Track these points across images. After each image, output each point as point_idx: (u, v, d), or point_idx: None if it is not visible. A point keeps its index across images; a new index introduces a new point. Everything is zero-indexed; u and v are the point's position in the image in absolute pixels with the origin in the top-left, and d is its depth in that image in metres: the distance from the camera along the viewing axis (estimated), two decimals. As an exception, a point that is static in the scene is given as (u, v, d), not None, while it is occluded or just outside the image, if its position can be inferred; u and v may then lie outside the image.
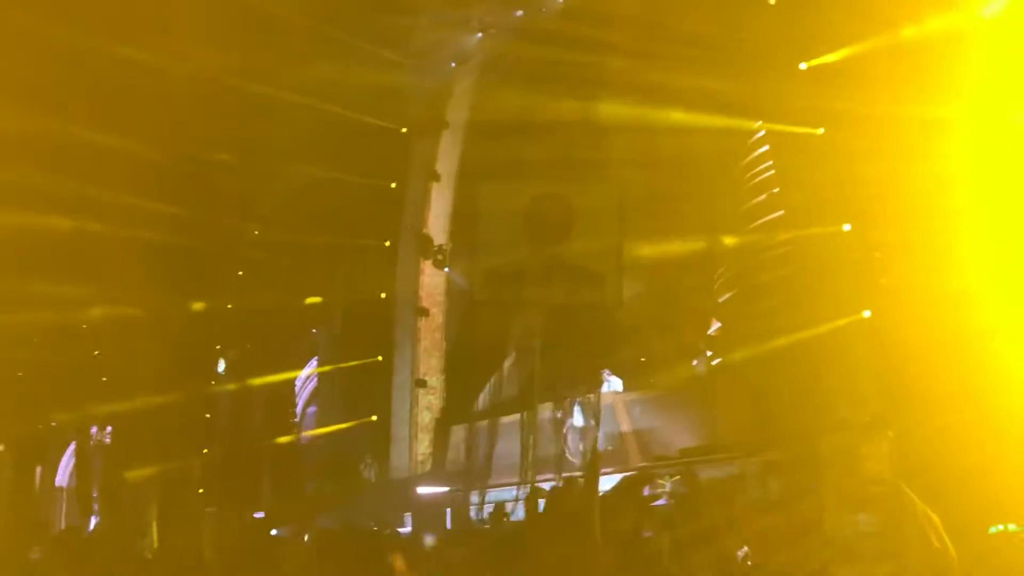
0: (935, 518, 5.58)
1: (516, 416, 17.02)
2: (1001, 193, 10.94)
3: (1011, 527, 7.33)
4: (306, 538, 14.97)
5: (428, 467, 19.30)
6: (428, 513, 17.42)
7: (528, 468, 16.37)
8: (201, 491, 20.21)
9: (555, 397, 16.70)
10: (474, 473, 17.39)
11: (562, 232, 16.00)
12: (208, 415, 21.13)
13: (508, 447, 17.00)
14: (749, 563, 6.90)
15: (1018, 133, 10.89)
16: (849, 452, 5.92)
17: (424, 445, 19.48)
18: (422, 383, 19.71)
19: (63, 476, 25.28)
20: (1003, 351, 10.35)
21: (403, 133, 20.18)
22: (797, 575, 5.99)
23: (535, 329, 17.77)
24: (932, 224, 11.79)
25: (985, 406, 10.05)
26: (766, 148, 15.64)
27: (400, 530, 15.70)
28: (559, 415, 16.55)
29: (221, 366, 21.78)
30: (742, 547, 6.97)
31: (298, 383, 22.94)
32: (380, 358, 20.43)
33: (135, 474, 18.71)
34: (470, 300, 19.09)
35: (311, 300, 21.29)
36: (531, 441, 16.58)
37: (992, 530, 7.36)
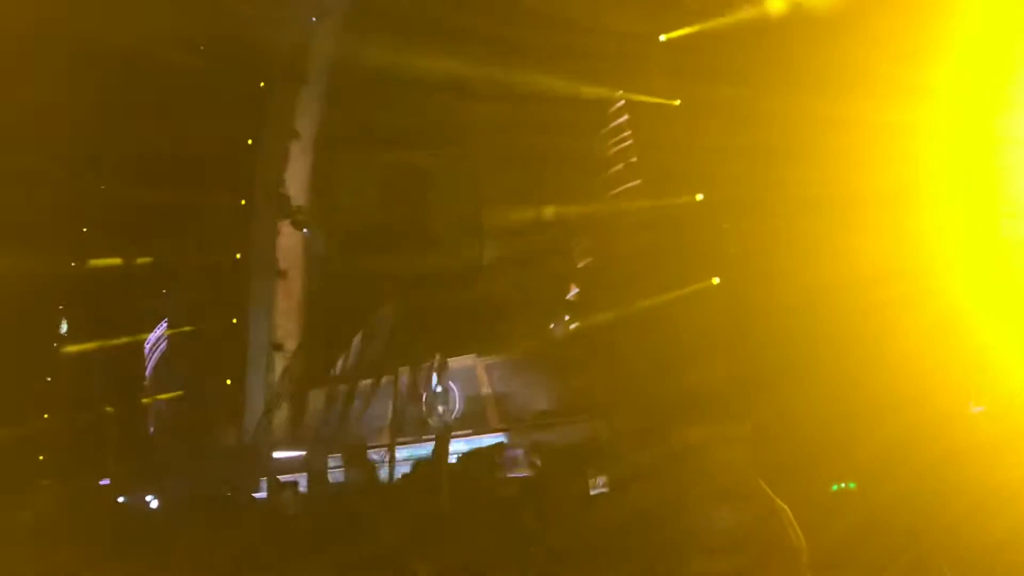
0: (787, 510, 5.78)
1: (375, 381, 16.94)
2: (849, 160, 11.45)
3: (851, 485, 7.81)
4: (155, 504, 14.60)
5: (284, 432, 19.00)
6: (283, 479, 17.18)
7: (386, 433, 16.34)
8: (41, 458, 19.34)
9: (414, 361, 16.71)
10: (331, 438, 17.24)
11: (417, 202, 15.99)
12: (49, 379, 20.19)
13: (367, 412, 16.92)
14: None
15: (863, 97, 11.38)
16: (706, 445, 6.03)
17: (281, 410, 19.13)
18: (279, 347, 19.32)
19: None
20: (848, 319, 10.92)
21: (260, 88, 19.57)
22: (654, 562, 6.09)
23: (395, 293, 17.71)
24: (781, 193, 12.31)
25: (827, 371, 10.63)
26: (625, 118, 15.95)
27: (255, 495, 15.43)
28: (418, 379, 16.58)
29: (64, 327, 20.82)
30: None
31: (147, 346, 22.11)
32: (235, 321, 19.92)
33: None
34: (328, 264, 18.82)
35: (162, 260, 20.49)
36: (390, 406, 16.55)
37: (834, 488, 7.80)
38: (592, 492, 7.42)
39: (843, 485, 7.67)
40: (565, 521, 6.67)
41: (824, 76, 11.51)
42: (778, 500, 5.78)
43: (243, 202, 19.91)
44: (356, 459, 13.40)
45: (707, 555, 5.54)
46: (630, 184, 15.90)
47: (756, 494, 5.76)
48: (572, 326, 15.95)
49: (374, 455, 15.08)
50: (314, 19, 18.94)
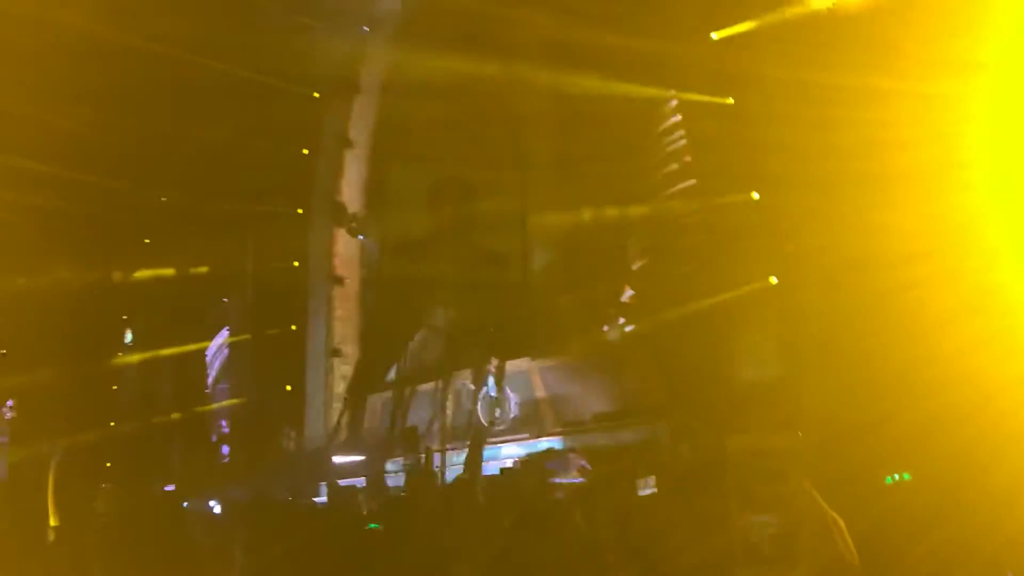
0: (840, 521, 5.65)
1: (430, 385, 17.00)
2: (907, 164, 11.22)
3: (905, 476, 7.65)
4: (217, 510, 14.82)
5: (343, 437, 19.16)
6: (343, 483, 17.33)
7: (441, 438, 16.40)
8: (108, 465, 19.79)
9: (469, 366, 16.74)
10: (389, 443, 17.34)
11: (465, 214, 16.03)
12: (115, 387, 20.65)
13: (422, 416, 17.00)
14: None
15: (926, 104, 11.16)
16: (756, 452, 5.91)
17: (339, 415, 19.30)
18: (337, 352, 19.50)
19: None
20: (902, 318, 10.70)
21: (315, 98, 19.81)
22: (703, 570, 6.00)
23: (450, 298, 17.78)
24: (838, 193, 12.08)
25: (882, 366, 10.43)
26: (678, 117, 15.79)
27: (315, 500, 15.59)
28: (473, 384, 16.60)
29: (128, 337, 21.28)
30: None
31: (209, 354, 22.51)
32: (294, 327, 20.17)
33: (39, 448, 18.20)
34: (383, 271, 18.94)
35: (222, 269, 20.85)
36: (445, 411, 16.60)
37: (888, 480, 7.64)
38: (642, 494, 7.34)
39: (897, 477, 7.50)
40: (614, 527, 6.60)
41: (879, 69, 11.27)
42: (831, 512, 5.65)
43: (300, 211, 20.19)
44: (410, 464, 13.50)
45: (756, 565, 5.43)
46: (684, 184, 15.73)
47: (808, 504, 5.64)
48: (627, 328, 15.82)
49: (428, 460, 15.20)
50: (366, 29, 19.13)
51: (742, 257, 14.01)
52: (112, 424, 19.86)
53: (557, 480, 9.24)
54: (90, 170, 17.77)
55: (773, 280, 13.57)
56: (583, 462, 9.56)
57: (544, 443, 14.75)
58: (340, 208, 19.52)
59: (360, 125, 19.81)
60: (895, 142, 10.84)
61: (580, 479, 9.05)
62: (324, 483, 16.60)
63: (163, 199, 19.90)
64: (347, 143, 19.65)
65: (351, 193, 19.77)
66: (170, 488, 18.63)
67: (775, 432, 6.12)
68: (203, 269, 20.50)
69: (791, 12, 12.69)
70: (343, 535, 10.13)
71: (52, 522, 13.27)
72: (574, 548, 6.60)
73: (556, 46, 15.51)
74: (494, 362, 16.42)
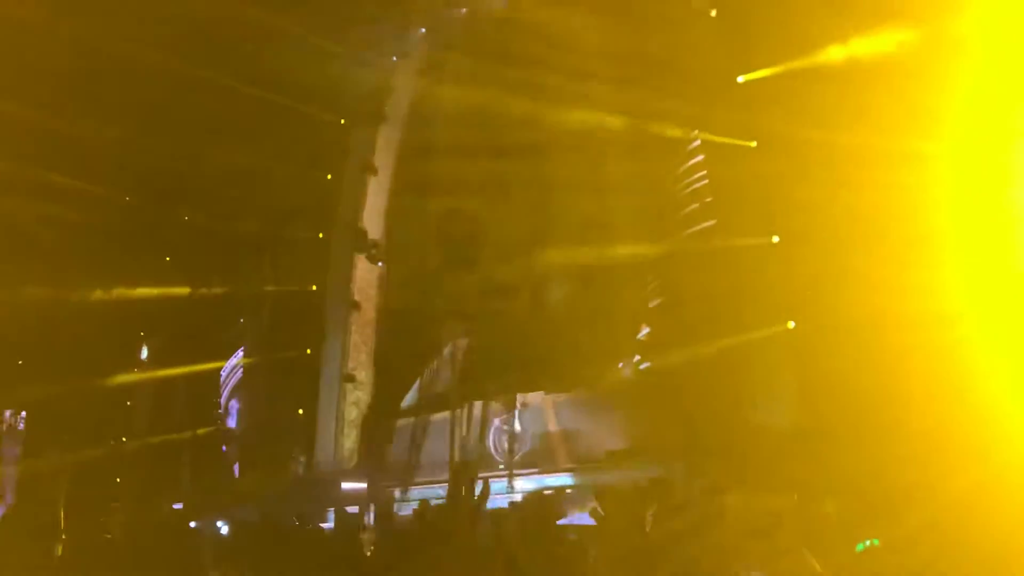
0: None
1: (443, 415, 16.99)
2: (927, 217, 11.26)
3: (874, 542, 7.61)
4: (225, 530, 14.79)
5: (353, 463, 19.12)
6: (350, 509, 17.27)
7: (450, 467, 16.34)
8: (118, 480, 19.81)
9: (482, 397, 16.73)
10: (398, 471, 17.30)
11: (473, 249, 16.08)
12: (128, 403, 20.70)
13: (434, 445, 16.97)
14: None
15: (945, 162, 11.23)
16: (752, 510, 6.00)
17: (350, 440, 19.28)
18: (351, 378, 19.50)
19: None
20: (917, 365, 10.70)
21: (341, 125, 19.98)
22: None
23: (465, 329, 17.79)
24: (857, 241, 12.10)
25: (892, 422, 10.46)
26: (700, 158, 15.85)
27: (322, 526, 15.55)
28: (485, 415, 16.58)
29: (144, 353, 21.36)
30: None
31: (223, 373, 22.58)
32: (309, 351, 20.19)
33: (48, 461, 18.25)
34: (401, 299, 18.97)
35: (240, 289, 20.95)
36: (456, 441, 16.57)
37: (859, 547, 7.60)
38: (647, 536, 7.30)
39: (868, 543, 7.45)
40: (623, 569, 6.58)
41: (893, 115, 11.35)
42: (819, 569, 5.68)
43: (320, 235, 20.30)
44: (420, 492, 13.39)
45: None
46: (704, 224, 15.75)
47: (797, 564, 5.68)
48: (642, 366, 15.80)
49: (437, 490, 15.12)
50: (395, 59, 19.32)
51: (760, 300, 14.00)
52: (124, 440, 19.89)
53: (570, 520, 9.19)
54: (114, 186, 17.95)
55: (791, 325, 13.56)
56: (594, 503, 9.50)
57: (556, 479, 14.72)
58: (361, 234, 19.61)
59: (384, 153, 19.94)
60: (919, 204, 10.90)
61: (591, 521, 8.99)
62: (330, 508, 16.60)
63: (185, 218, 20.04)
64: (371, 170, 19.76)
65: (372, 220, 19.86)
66: (178, 507, 18.63)
67: (772, 493, 6.19)
68: (222, 289, 20.60)
69: (818, 63, 12.80)
70: (345, 561, 10.09)
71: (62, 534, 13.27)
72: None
73: (582, 82, 15.61)
74: (507, 394, 16.42)
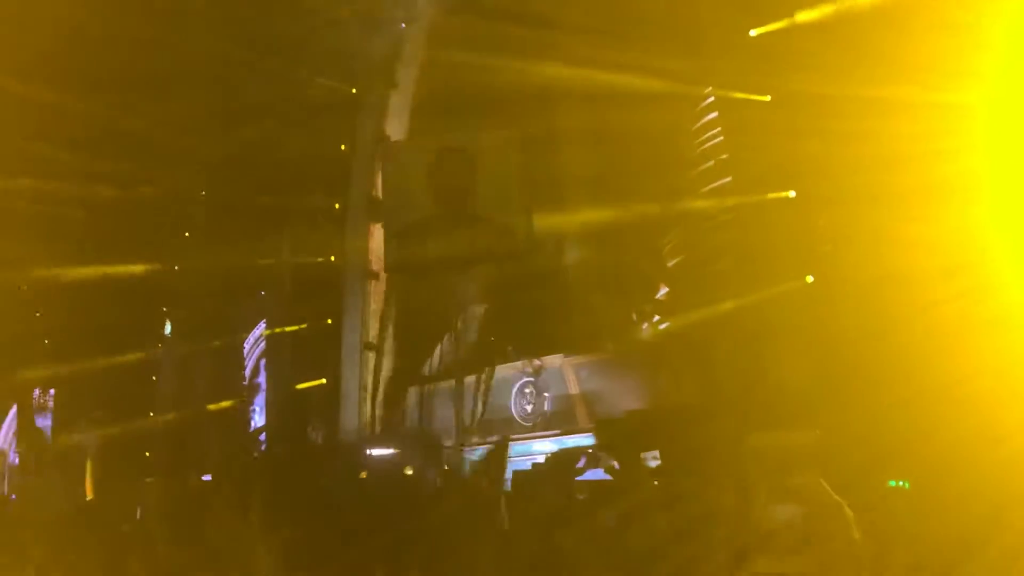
0: (849, 512, 5.78)
1: (464, 380, 17.08)
2: (946, 170, 11.14)
3: (904, 484, 7.71)
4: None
5: (378, 430, 19.28)
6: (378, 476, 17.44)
7: (475, 431, 16.48)
8: (148, 454, 20.09)
9: (502, 361, 16.79)
10: (419, 437, 17.43)
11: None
12: (154, 378, 20.93)
13: (454, 411, 17.09)
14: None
15: (973, 113, 11.08)
16: (776, 448, 6.07)
17: (374, 408, 19.41)
18: (372, 346, 19.60)
19: (3, 439, 24.89)
20: (937, 322, 10.65)
21: (352, 94, 19.90)
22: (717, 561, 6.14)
23: (484, 293, 17.83)
24: (875, 193, 11.98)
25: (899, 370, 10.43)
26: (715, 115, 15.72)
27: (347, 492, 15.71)
28: (509, 378, 16.66)
29: (167, 328, 21.56)
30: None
31: (246, 346, 22.77)
32: (329, 321, 20.30)
33: (77, 438, 18.53)
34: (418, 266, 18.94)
35: (259, 262, 21.05)
36: (479, 404, 16.67)
37: (891, 484, 7.73)
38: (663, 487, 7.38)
39: (899, 483, 7.58)
40: (638, 522, 6.65)
41: (912, 65, 11.18)
42: (840, 500, 5.76)
43: (337, 206, 20.31)
44: (436, 458, 13.52)
45: (771, 555, 5.51)
46: (721, 181, 15.65)
47: (819, 496, 5.75)
48: (661, 326, 15.79)
49: (459, 454, 15.27)
50: (403, 25, 19.19)
51: (778, 256, 13.93)
52: (151, 415, 20.15)
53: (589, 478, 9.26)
54: (133, 163, 18.04)
55: (809, 279, 13.49)
56: (612, 460, 9.58)
57: (576, 439, 14.79)
58: (377, 204, 19.58)
59: (397, 121, 19.85)
60: (935, 153, 10.77)
61: (608, 477, 9.07)
62: (355, 476, 16.78)
63: (203, 193, 20.13)
64: (384, 138, 19.69)
65: (388, 189, 19.77)
66: (207, 478, 18.86)
67: (796, 430, 6.25)
68: (241, 262, 20.71)
69: (832, 14, 12.61)
70: (375, 526, 10.23)
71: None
72: (600, 544, 6.65)
73: (594, 39, 15.47)
74: (526, 357, 16.48)
